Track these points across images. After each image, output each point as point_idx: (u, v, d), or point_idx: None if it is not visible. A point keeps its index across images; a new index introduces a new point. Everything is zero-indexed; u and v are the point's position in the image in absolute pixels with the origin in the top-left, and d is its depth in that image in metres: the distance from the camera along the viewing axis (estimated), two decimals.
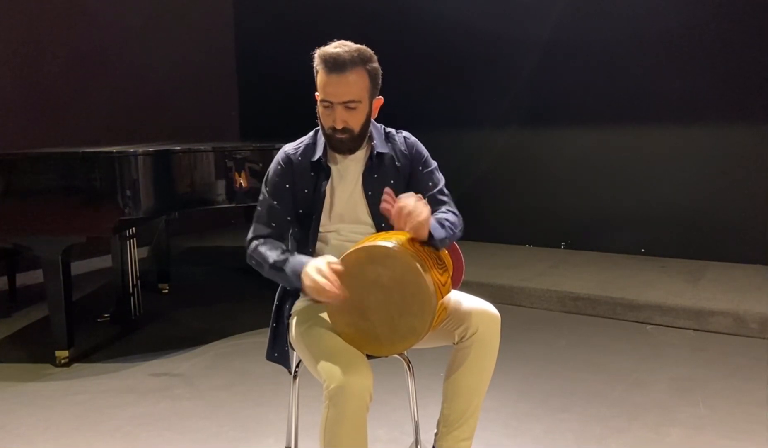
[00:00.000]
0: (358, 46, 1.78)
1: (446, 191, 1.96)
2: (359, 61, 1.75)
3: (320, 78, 1.76)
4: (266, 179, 1.92)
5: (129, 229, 3.79)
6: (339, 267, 1.60)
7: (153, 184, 3.24)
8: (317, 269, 1.61)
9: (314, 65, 1.79)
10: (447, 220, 1.79)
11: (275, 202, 1.88)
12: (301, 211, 1.90)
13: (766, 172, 4.42)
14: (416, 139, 1.99)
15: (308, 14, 6.15)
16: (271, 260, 1.78)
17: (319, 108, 1.81)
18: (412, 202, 1.62)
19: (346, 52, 1.73)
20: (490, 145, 5.47)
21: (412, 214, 1.61)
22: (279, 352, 1.94)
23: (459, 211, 1.91)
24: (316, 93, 1.82)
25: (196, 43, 6.29)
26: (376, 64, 1.81)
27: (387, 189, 1.69)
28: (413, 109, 5.11)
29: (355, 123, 1.79)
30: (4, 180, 3.07)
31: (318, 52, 1.77)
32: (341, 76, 1.73)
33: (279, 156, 1.92)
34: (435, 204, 1.88)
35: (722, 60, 4.48)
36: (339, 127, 1.78)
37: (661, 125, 4.76)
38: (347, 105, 1.76)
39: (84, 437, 2.48)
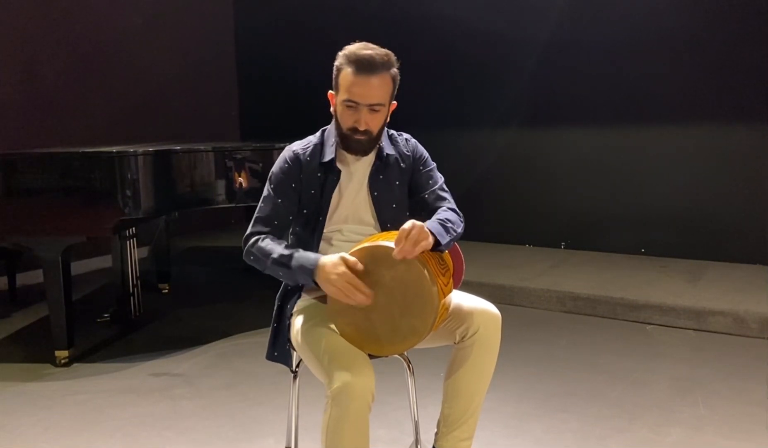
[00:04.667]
0: (385, 50, 1.79)
1: (446, 188, 1.97)
2: (388, 65, 1.77)
3: (347, 78, 1.74)
4: (271, 176, 1.89)
5: (129, 229, 3.79)
6: (359, 266, 1.60)
7: (153, 184, 3.24)
8: (339, 275, 1.60)
9: (337, 64, 1.77)
10: (448, 220, 1.78)
11: (279, 201, 1.86)
12: (306, 211, 1.89)
13: (766, 172, 4.42)
14: (416, 141, 2.01)
15: (308, 14, 6.15)
16: (275, 254, 1.75)
17: (340, 107, 1.79)
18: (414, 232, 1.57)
19: (378, 55, 1.74)
20: (490, 145, 5.47)
21: (419, 242, 1.57)
22: (279, 351, 1.94)
23: (459, 211, 1.92)
24: (330, 91, 1.82)
25: (196, 44, 6.29)
26: (397, 70, 1.81)
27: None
28: (413, 109, 5.06)
29: (375, 126, 1.80)
30: (4, 180, 3.07)
31: (346, 52, 1.75)
32: (371, 78, 1.73)
33: (286, 154, 1.89)
34: (436, 201, 1.91)
35: (722, 60, 4.48)
36: (362, 128, 1.77)
37: (661, 125, 4.76)
38: (372, 108, 1.76)
39: (84, 437, 2.48)
